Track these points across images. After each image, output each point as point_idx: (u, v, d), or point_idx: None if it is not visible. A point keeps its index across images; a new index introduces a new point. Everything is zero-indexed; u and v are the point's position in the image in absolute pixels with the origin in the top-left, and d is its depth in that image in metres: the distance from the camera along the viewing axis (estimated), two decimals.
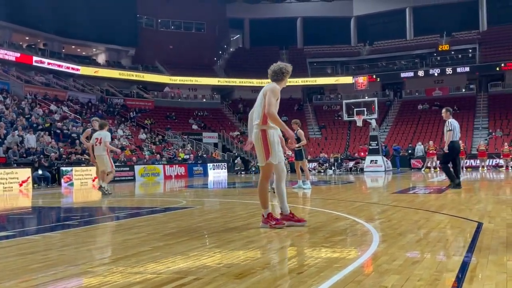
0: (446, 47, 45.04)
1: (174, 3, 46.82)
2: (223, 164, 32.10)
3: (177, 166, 28.24)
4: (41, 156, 21.29)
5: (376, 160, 28.33)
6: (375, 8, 49.62)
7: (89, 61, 43.28)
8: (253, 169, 32.90)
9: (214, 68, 48.45)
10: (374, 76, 45.29)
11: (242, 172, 32.38)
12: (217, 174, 29.62)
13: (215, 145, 39.36)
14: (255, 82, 46.11)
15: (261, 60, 47.37)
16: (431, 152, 26.31)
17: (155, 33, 47.67)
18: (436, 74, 44.03)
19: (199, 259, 3.98)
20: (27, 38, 39.97)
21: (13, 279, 3.39)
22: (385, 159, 29.03)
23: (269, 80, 5.72)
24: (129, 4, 43.51)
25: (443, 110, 11.71)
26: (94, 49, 45.31)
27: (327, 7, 51.27)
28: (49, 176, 19.92)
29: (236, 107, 45.52)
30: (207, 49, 48.40)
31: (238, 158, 34.97)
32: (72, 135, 26.62)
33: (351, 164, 31.27)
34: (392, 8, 49.26)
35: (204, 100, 44.62)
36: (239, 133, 41.01)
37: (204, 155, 33.87)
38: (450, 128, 11.04)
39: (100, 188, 11.96)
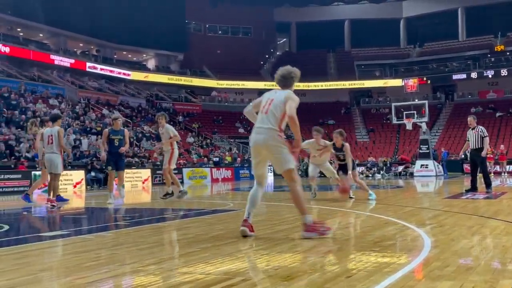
0: (501, 47, 43.38)
1: (221, 8, 47.42)
2: (269, 167, 32.09)
3: (223, 169, 28.50)
4: (94, 158, 22.00)
5: (427, 165, 27.59)
6: (426, 9, 48.45)
7: (140, 67, 44.47)
8: (299, 173, 32.80)
9: (260, 72, 48.65)
10: (425, 79, 44.19)
11: None
12: None
13: None
14: (301, 85, 45.95)
15: (308, 64, 47.23)
16: (488, 156, 25.36)
17: (203, 38, 48.42)
18: (490, 76, 42.51)
19: (246, 261, 3.99)
20: (81, 45, 41.50)
21: (69, 276, 3.51)
22: (436, 163, 28.24)
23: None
24: (178, 10, 44.41)
25: (471, 118, 12.09)
26: (144, 55, 46.50)
27: (376, 8, 50.52)
28: (101, 178, 20.54)
29: None
30: (254, 53, 48.69)
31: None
32: None
33: (400, 168, 30.60)
34: (443, 9, 47.97)
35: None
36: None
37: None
38: (487, 134, 11.77)
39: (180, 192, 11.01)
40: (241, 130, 40.90)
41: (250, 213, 5.17)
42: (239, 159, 32.84)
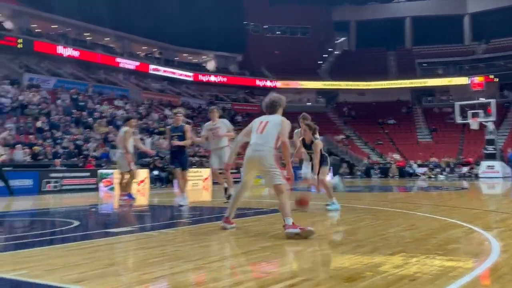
0: None
1: (279, 9, 47.50)
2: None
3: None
4: (156, 157, 22.65)
5: (493, 166, 26.39)
6: (492, 4, 46.27)
7: (200, 68, 45.37)
8: (358, 173, 32.27)
9: (318, 71, 48.30)
10: (492, 76, 42.24)
11: (347, 176, 31.88)
12: None
13: None
14: (361, 85, 45.24)
15: (367, 62, 46.41)
16: None
17: (261, 39, 48.70)
18: None
19: (307, 261, 4.00)
20: (144, 47, 42.85)
21: (135, 271, 3.65)
22: (503, 164, 26.95)
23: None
24: (236, 12, 44.93)
25: None
26: (204, 57, 47.37)
27: (438, 5, 48.85)
28: (163, 177, 21.14)
29: (341, 110, 44.98)
30: (312, 52, 48.42)
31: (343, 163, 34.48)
32: None
33: (464, 169, 29.45)
34: (510, 4, 45.66)
35: (309, 103, 44.65)
36: (344, 136, 40.47)
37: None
38: None
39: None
40: None
41: (232, 212, 5.89)
42: (296, 159, 32.70)
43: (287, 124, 5.65)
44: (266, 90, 45.32)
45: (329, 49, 53.07)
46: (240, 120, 39.19)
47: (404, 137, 39.42)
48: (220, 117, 10.38)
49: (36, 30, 35.33)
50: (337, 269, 3.57)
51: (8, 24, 33.90)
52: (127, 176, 11.28)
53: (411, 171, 31.13)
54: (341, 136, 40.39)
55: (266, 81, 45.43)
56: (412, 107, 44.91)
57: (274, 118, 5.71)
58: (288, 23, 49.62)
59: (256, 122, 5.80)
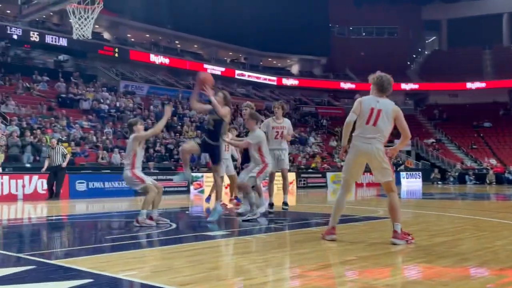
0: None
1: (366, 10, 46.57)
2: (417, 173, 30.67)
3: (368, 174, 27.87)
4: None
5: None
6: None
7: (284, 72, 45.63)
8: (451, 179, 30.79)
9: (406, 72, 46.73)
10: None
11: (439, 182, 30.52)
12: (411, 184, 28.42)
13: (408, 152, 37.83)
14: (454, 86, 43.16)
15: (460, 62, 44.18)
16: None
17: (346, 41, 48.04)
18: None
19: (408, 273, 3.87)
20: (230, 53, 43.87)
21: (237, 276, 3.73)
22: None
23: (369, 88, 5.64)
24: (321, 15, 44.71)
25: None
26: (288, 61, 47.58)
27: None
28: None
29: (431, 113, 43.17)
30: (400, 53, 46.95)
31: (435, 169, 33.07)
32: None
33: None
34: None
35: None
36: (434, 140, 38.81)
37: (401, 163, 32.68)
38: None
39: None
40: None
41: (336, 220, 5.55)
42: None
43: (401, 114, 5.36)
44: (350, 93, 44.57)
45: (419, 49, 51.20)
46: (325, 124, 38.90)
47: (502, 141, 37.04)
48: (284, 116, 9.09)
49: (131, 40, 37.41)
50: (443, 283, 3.42)
51: (106, 35, 36.21)
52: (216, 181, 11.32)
53: (510, 177, 29.17)
54: (431, 140, 38.77)
55: (350, 83, 44.72)
56: (511, 109, 42.11)
57: (386, 107, 5.30)
58: (374, 23, 48.52)
59: (368, 106, 5.34)
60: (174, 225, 7.14)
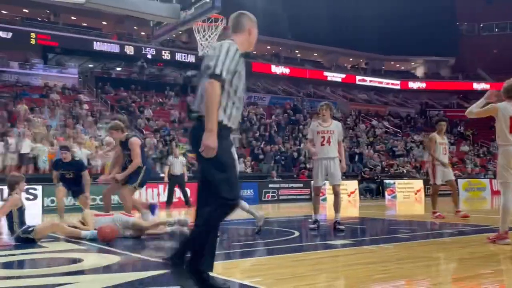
0: None
1: (498, 5, 43.14)
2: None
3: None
4: (366, 169, 22.58)
5: None
6: None
7: (408, 75, 43.89)
8: None
9: None
10: None
11: None
12: None
13: None
14: None
15: None
16: None
17: (476, 39, 44.90)
18: None
19: None
20: (350, 59, 43.32)
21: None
22: None
23: None
24: (448, 14, 42.38)
25: None
26: (412, 63, 45.70)
27: None
28: (373, 188, 20.93)
29: None
30: None
31: None
32: (393, 148, 27.49)
33: None
34: None
35: None
36: None
37: None
38: None
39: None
40: None
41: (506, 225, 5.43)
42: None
43: None
44: (483, 94, 41.51)
45: None
46: (455, 128, 36.62)
47: None
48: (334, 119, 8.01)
49: (253, 52, 38.68)
50: None
51: None
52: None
53: None
54: None
55: (484, 83, 41.60)
56: None
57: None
58: (509, 18, 44.73)
59: (506, 117, 5.42)
60: (297, 233, 7.22)
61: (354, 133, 29.23)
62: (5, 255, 5.50)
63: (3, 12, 30.29)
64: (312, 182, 7.92)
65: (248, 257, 5.26)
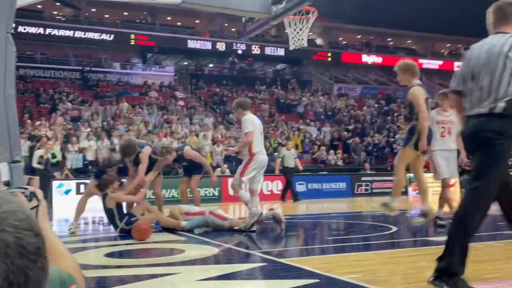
0: None
1: None
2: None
3: None
4: (467, 160, 21.37)
5: None
6: None
7: None
8: None
9: None
10: None
11: None
12: None
13: None
14: None
15: None
16: None
17: None
18: None
19: None
20: (448, 45, 41.13)
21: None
22: None
23: None
24: None
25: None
26: None
27: None
28: None
29: None
30: None
31: None
32: None
33: None
34: None
35: None
36: None
37: None
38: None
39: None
40: None
41: None
42: None
43: None
44: None
45: None
46: None
47: None
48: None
49: (342, 43, 38.04)
50: None
51: (319, 40, 37.51)
52: None
53: None
54: None
55: None
56: None
57: None
58: None
59: None
60: (394, 228, 7.01)
61: None
62: (110, 245, 5.90)
63: (106, 16, 32.34)
64: (434, 175, 7.18)
65: (344, 252, 5.19)
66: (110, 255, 5.11)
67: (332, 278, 3.68)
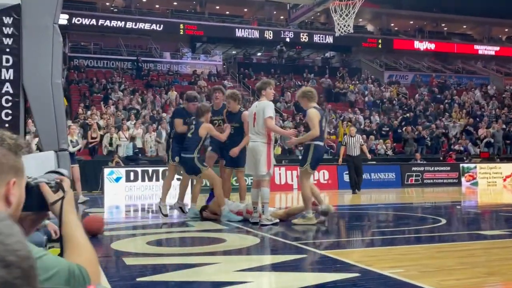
0: None
1: None
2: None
3: None
4: None
5: None
6: None
7: None
8: None
9: None
10: None
11: None
12: None
13: None
14: None
15: None
16: None
17: None
18: None
19: None
20: (506, 30, 39.21)
21: None
22: None
23: None
24: None
25: None
26: None
27: None
28: None
29: None
30: None
31: None
32: None
33: None
34: None
35: None
36: None
37: None
38: None
39: None
40: None
41: None
42: None
43: None
44: None
45: None
46: None
47: None
48: None
49: (394, 29, 36.97)
50: None
51: (369, 27, 36.64)
52: None
53: None
54: None
55: None
56: None
57: None
58: None
59: None
60: (443, 221, 6.74)
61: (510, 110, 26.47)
62: (154, 233, 5.97)
63: (156, 6, 32.82)
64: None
65: (389, 245, 5.02)
66: (152, 243, 5.17)
67: (374, 272, 3.55)
